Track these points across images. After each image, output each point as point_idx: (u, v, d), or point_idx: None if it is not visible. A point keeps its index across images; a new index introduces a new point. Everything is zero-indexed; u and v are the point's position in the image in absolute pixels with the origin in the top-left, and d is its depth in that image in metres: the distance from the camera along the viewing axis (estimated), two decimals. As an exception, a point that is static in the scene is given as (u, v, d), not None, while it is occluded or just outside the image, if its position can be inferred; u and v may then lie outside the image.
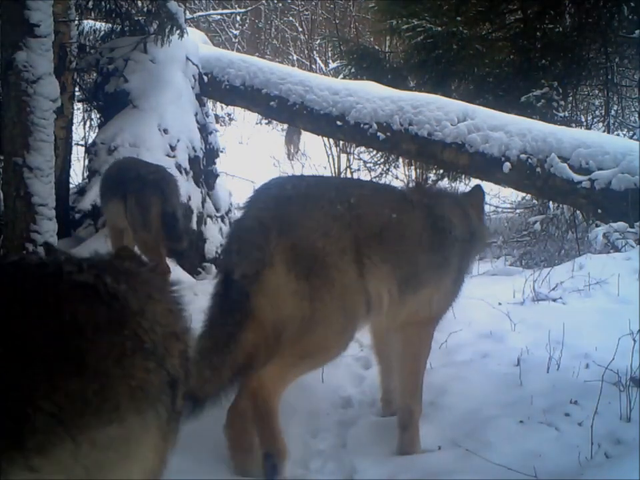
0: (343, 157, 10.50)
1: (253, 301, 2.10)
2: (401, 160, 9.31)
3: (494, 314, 3.65)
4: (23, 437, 1.02)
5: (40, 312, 1.11)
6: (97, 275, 1.24)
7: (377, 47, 10.97)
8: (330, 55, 16.31)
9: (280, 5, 19.33)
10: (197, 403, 2.05)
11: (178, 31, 6.29)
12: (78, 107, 7.38)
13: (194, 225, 6.48)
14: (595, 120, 9.24)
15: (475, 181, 8.57)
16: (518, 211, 8.74)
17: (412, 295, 2.40)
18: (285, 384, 2.16)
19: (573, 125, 7.60)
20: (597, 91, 8.91)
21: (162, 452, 1.27)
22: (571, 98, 8.08)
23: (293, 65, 15.36)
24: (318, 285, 2.12)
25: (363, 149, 8.65)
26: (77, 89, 6.79)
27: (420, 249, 2.40)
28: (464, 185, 9.10)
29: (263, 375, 2.09)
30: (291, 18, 19.30)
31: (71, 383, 1.09)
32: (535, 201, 7.78)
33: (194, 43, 7.16)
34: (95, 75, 6.88)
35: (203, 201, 6.82)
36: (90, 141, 7.19)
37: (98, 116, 7.21)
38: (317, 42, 17.48)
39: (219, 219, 7.31)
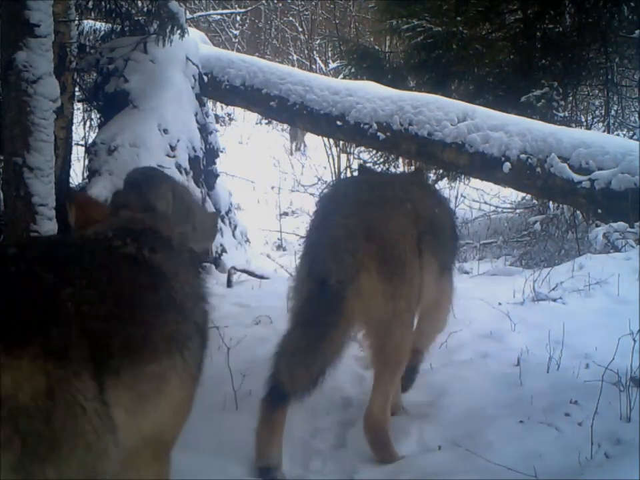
0: (343, 157, 10.50)
1: (348, 304, 2.22)
2: (400, 160, 9.31)
3: (494, 314, 3.65)
4: (101, 375, 1.27)
5: (99, 279, 1.38)
6: (138, 247, 1.53)
7: (377, 47, 10.96)
8: (330, 54, 16.31)
9: (280, 5, 19.33)
10: (283, 397, 2.24)
11: (179, 31, 6.28)
12: (78, 106, 7.37)
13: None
14: (595, 120, 9.24)
15: (475, 181, 8.60)
16: (518, 210, 8.75)
17: (439, 279, 2.61)
18: (389, 403, 2.42)
19: (573, 125, 7.60)
20: (597, 91, 8.91)
21: (188, 389, 1.54)
22: (570, 98, 8.07)
23: (293, 65, 15.36)
24: (398, 284, 2.29)
25: (362, 148, 8.65)
26: (76, 88, 6.78)
27: (448, 237, 2.68)
28: (464, 185, 9.13)
29: (375, 409, 2.34)
30: (291, 18, 19.30)
31: (124, 331, 1.35)
32: (534, 201, 7.78)
33: (194, 43, 7.16)
34: (95, 74, 6.88)
35: (203, 201, 6.82)
36: (90, 140, 7.19)
37: (98, 116, 7.20)
38: (317, 42, 17.48)
39: (219, 219, 7.31)
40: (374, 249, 2.21)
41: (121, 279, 1.44)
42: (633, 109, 9.52)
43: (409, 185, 2.64)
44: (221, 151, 7.85)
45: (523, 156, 5.67)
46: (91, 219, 1.70)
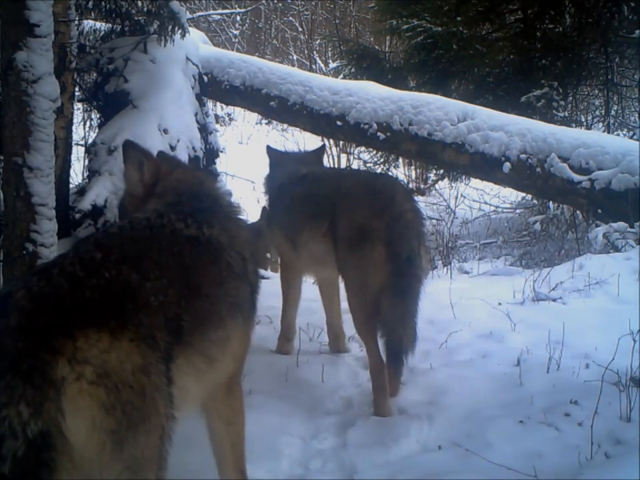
0: (343, 156, 10.50)
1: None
2: (401, 160, 9.31)
3: (494, 314, 3.65)
4: (181, 339, 1.54)
5: (170, 267, 1.61)
6: (198, 227, 1.79)
7: (377, 47, 10.97)
8: (330, 55, 16.30)
9: (280, 5, 19.32)
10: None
11: (180, 31, 6.28)
12: (78, 106, 7.37)
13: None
14: (595, 120, 9.24)
15: (475, 181, 8.60)
16: (518, 211, 8.74)
17: None
18: None
19: (573, 124, 7.59)
20: (596, 91, 8.90)
21: (246, 342, 1.88)
22: (570, 98, 8.08)
23: (293, 65, 15.35)
24: None
25: (363, 148, 8.65)
26: (77, 88, 6.78)
27: None
28: (464, 185, 9.13)
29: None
30: (290, 18, 19.28)
31: (196, 308, 1.61)
32: (535, 201, 7.78)
33: (194, 43, 7.16)
34: (95, 74, 6.88)
35: (203, 201, 6.83)
36: (90, 140, 7.18)
37: (98, 116, 7.20)
38: (317, 42, 17.47)
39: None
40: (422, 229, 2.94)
41: (187, 262, 1.68)
42: (633, 109, 9.51)
43: None
44: (221, 151, 7.84)
45: (523, 156, 5.67)
46: (158, 176, 1.99)
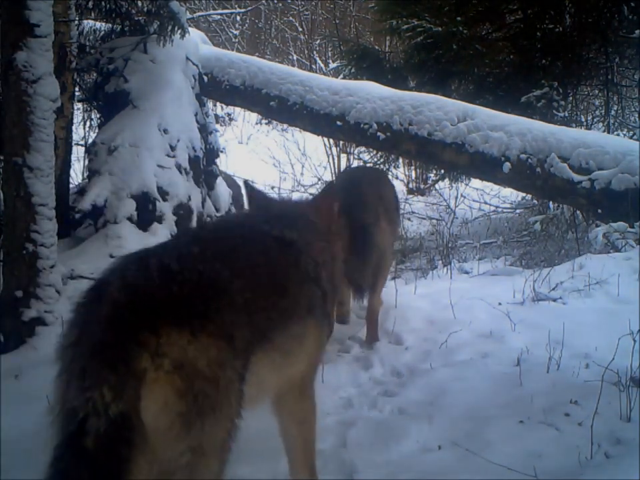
0: (343, 157, 10.49)
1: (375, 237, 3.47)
2: (401, 160, 9.31)
3: (494, 314, 3.65)
4: (262, 335, 1.63)
5: (257, 257, 1.73)
6: (281, 229, 1.91)
7: (377, 47, 10.96)
8: (330, 55, 16.30)
9: (280, 5, 19.31)
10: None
11: (180, 31, 6.28)
12: (78, 106, 7.37)
13: (194, 225, 6.48)
14: (595, 120, 9.23)
15: (475, 181, 8.60)
16: (518, 211, 8.74)
17: None
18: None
19: (573, 125, 7.59)
20: (596, 91, 8.90)
21: (318, 344, 1.98)
22: (571, 98, 8.07)
23: (293, 65, 15.34)
24: None
25: (363, 148, 8.65)
26: (77, 89, 6.78)
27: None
28: (464, 185, 9.13)
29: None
30: (290, 18, 19.28)
31: (278, 300, 1.73)
32: (535, 201, 7.78)
33: (194, 43, 7.16)
34: (95, 75, 6.88)
35: (203, 201, 6.82)
36: (90, 140, 7.18)
37: (98, 116, 7.20)
38: (317, 42, 17.47)
39: (219, 219, 7.31)
40: (383, 206, 3.73)
41: (273, 261, 1.81)
42: (633, 109, 9.51)
43: None
44: (221, 151, 7.84)
45: (523, 156, 5.66)
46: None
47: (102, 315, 1.37)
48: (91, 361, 1.33)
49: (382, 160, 8.53)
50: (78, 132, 7.92)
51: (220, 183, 7.57)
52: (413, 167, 10.61)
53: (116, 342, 1.32)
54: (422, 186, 10.88)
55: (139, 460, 1.29)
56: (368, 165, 8.39)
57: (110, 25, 6.80)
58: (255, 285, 1.64)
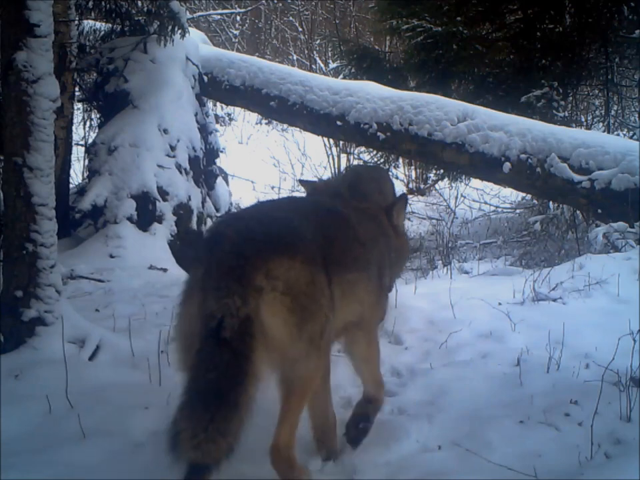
0: (343, 157, 10.50)
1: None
2: (401, 160, 9.31)
3: (494, 314, 3.65)
4: (335, 273, 2.12)
5: (337, 225, 2.30)
6: (343, 206, 2.47)
7: (377, 47, 10.97)
8: (330, 54, 16.29)
9: (280, 4, 19.31)
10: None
11: (180, 31, 6.29)
12: (78, 106, 7.38)
13: (194, 225, 6.49)
14: (595, 120, 9.24)
15: (475, 181, 8.60)
16: (518, 211, 8.74)
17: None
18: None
19: (573, 125, 7.59)
20: (596, 91, 8.90)
21: (371, 294, 2.37)
22: (571, 98, 8.07)
23: (293, 65, 15.35)
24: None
25: (363, 148, 8.65)
26: (77, 89, 6.78)
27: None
28: (464, 185, 9.13)
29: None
30: (290, 18, 19.28)
31: (341, 250, 2.20)
32: (535, 201, 7.78)
33: (194, 43, 7.16)
34: (95, 74, 6.88)
35: (203, 201, 6.83)
36: (90, 140, 7.19)
37: (98, 116, 7.20)
38: (317, 42, 17.47)
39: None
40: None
41: (340, 222, 2.34)
42: (633, 109, 9.50)
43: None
44: (221, 151, 7.85)
45: (523, 156, 5.67)
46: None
47: (225, 249, 1.90)
48: (224, 279, 1.82)
49: (382, 160, 8.53)
50: (78, 132, 7.93)
51: (220, 183, 7.58)
52: (412, 167, 10.61)
53: (240, 266, 1.83)
54: (422, 186, 10.88)
55: (259, 347, 1.79)
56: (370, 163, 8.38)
57: (110, 25, 6.81)
58: (326, 235, 2.16)
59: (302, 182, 4.18)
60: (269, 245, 1.90)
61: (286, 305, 1.85)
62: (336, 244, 2.17)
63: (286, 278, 1.86)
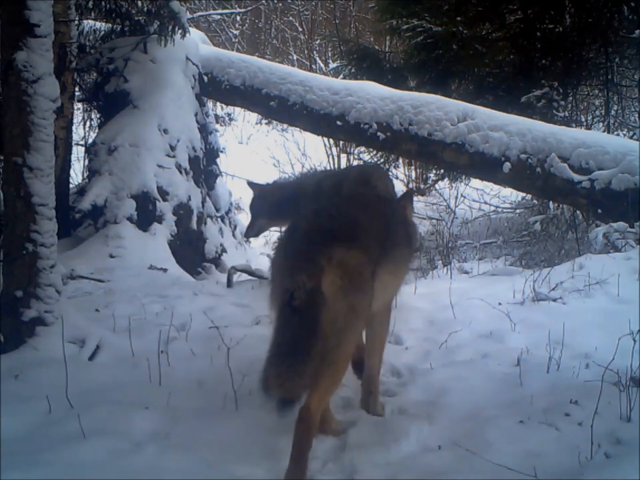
0: (343, 157, 10.50)
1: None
2: (401, 160, 9.31)
3: (494, 314, 3.65)
4: (382, 255, 2.52)
5: (377, 211, 2.70)
6: (384, 191, 3.40)
7: (377, 47, 10.96)
8: (330, 54, 16.30)
9: (280, 5, 19.31)
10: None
11: (180, 31, 6.29)
12: (78, 107, 7.38)
13: (194, 225, 6.49)
14: (595, 120, 9.24)
15: (475, 181, 8.61)
16: (518, 211, 8.75)
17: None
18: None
19: (573, 125, 7.59)
20: (596, 91, 8.90)
21: (404, 275, 2.83)
22: (571, 98, 8.07)
23: (293, 65, 15.35)
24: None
25: (363, 148, 8.65)
26: (77, 89, 6.78)
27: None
28: (464, 185, 9.14)
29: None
30: (290, 18, 19.28)
31: (388, 238, 2.58)
32: (535, 201, 7.78)
33: (194, 43, 7.16)
34: (95, 74, 6.88)
35: (203, 201, 6.83)
36: (90, 140, 7.19)
37: (98, 116, 7.21)
38: (317, 42, 17.47)
39: (219, 219, 7.31)
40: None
41: (386, 213, 2.75)
42: (633, 109, 9.50)
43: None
44: (221, 151, 7.85)
45: (523, 156, 5.67)
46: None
47: (298, 238, 2.39)
48: (296, 261, 2.27)
49: (382, 160, 8.53)
50: (78, 132, 7.92)
51: (220, 183, 7.58)
52: (413, 167, 10.61)
53: (309, 250, 2.29)
54: (422, 186, 10.88)
55: (323, 312, 2.20)
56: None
57: (110, 25, 6.81)
58: (377, 225, 2.55)
59: (250, 184, 4.60)
60: (332, 236, 2.35)
61: (340, 281, 2.27)
62: (387, 231, 2.62)
63: (342, 261, 2.29)
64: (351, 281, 2.30)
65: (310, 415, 2.26)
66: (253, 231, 4.81)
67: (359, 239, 2.42)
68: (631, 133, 8.00)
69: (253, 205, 4.72)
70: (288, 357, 2.16)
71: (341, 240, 2.35)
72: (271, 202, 4.58)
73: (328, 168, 5.70)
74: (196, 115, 6.88)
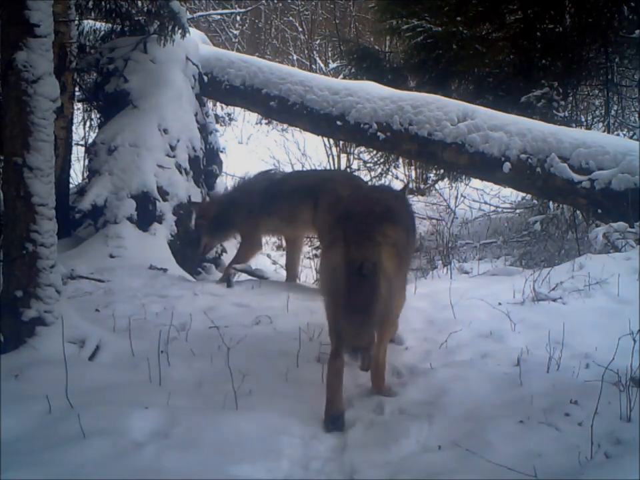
0: (343, 157, 10.50)
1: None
2: (401, 160, 9.31)
3: (494, 314, 3.65)
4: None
5: (391, 200, 3.13)
6: (402, 189, 3.82)
7: (377, 47, 10.96)
8: (330, 54, 16.30)
9: (280, 5, 19.31)
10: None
11: (180, 31, 6.28)
12: (78, 107, 7.38)
13: (194, 225, 6.49)
14: (595, 120, 9.24)
15: (475, 181, 8.61)
16: (518, 211, 8.75)
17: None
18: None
19: (573, 125, 7.59)
20: (596, 91, 8.89)
21: (409, 258, 3.24)
22: (571, 98, 8.07)
23: (293, 65, 15.33)
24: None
25: (363, 148, 8.65)
26: (76, 89, 6.78)
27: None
28: (464, 185, 9.14)
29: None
30: (290, 18, 19.27)
31: (398, 224, 2.92)
32: (535, 201, 7.78)
33: (194, 43, 7.16)
34: (95, 74, 6.88)
35: (203, 201, 6.82)
36: (90, 140, 7.19)
37: (98, 116, 7.20)
38: (317, 42, 17.46)
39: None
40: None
41: (403, 205, 3.27)
42: (633, 109, 9.51)
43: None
44: (221, 151, 7.85)
45: (523, 156, 5.67)
46: None
47: (358, 220, 2.76)
48: (360, 237, 2.66)
49: (382, 160, 8.53)
50: (78, 132, 7.92)
51: (220, 183, 7.58)
52: (413, 167, 10.61)
53: (369, 230, 2.70)
54: (422, 186, 10.88)
55: (382, 279, 2.64)
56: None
57: (110, 25, 6.80)
58: (402, 212, 3.09)
59: (191, 204, 5.02)
60: (382, 217, 2.82)
61: (393, 254, 2.74)
62: (408, 217, 3.24)
63: (393, 237, 2.76)
64: (399, 253, 2.80)
65: (379, 367, 2.91)
66: (199, 250, 5.20)
67: (400, 221, 2.97)
68: (631, 133, 8.00)
69: (196, 224, 5.00)
70: (359, 315, 2.63)
71: (389, 219, 2.84)
72: (210, 218, 4.82)
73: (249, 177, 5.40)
74: (196, 114, 6.88)
